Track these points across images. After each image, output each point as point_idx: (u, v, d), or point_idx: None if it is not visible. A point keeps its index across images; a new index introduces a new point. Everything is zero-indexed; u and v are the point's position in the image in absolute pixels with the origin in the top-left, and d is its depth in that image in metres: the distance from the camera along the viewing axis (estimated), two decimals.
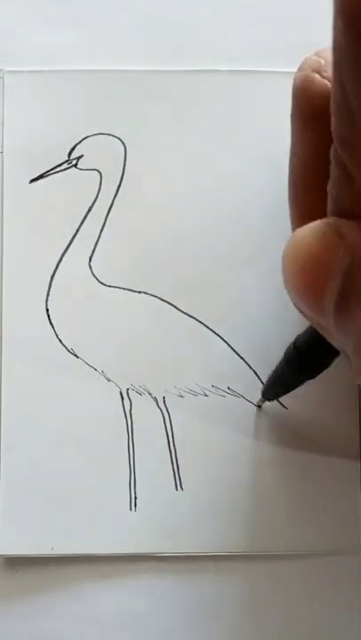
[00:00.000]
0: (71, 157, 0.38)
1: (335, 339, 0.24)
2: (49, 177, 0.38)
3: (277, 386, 0.35)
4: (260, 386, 0.37)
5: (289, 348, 0.33)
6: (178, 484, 0.37)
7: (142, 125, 0.38)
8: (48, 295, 0.37)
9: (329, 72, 0.25)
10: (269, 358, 0.37)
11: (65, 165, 0.38)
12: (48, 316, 0.37)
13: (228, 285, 0.38)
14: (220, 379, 0.37)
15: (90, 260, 0.38)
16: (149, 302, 0.38)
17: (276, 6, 0.38)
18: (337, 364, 0.38)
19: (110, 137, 0.38)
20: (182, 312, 0.38)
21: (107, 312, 0.37)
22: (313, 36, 0.38)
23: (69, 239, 0.38)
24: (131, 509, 0.37)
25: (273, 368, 0.36)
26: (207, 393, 0.37)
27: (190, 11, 0.38)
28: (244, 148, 0.38)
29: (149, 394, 0.37)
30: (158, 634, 0.37)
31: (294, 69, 0.38)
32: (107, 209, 0.38)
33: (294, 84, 0.27)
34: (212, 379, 0.37)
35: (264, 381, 0.37)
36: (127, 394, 0.37)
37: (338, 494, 0.37)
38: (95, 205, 0.38)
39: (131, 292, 0.38)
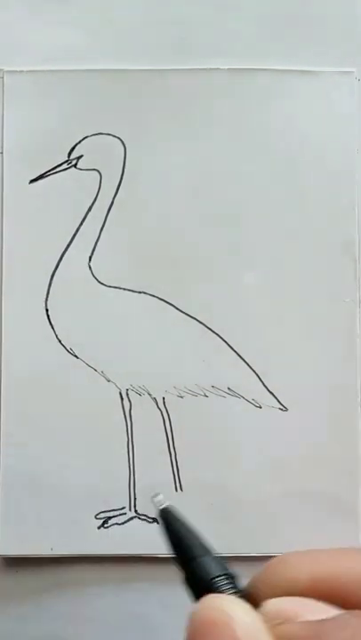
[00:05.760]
0: (71, 157, 0.38)
1: None
2: (49, 177, 0.38)
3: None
4: (260, 386, 0.37)
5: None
6: (178, 484, 0.37)
7: (142, 125, 0.38)
8: (48, 295, 0.37)
9: None
10: (269, 358, 0.38)
11: (65, 165, 0.38)
12: (48, 316, 0.37)
13: (228, 285, 0.38)
14: (220, 379, 0.37)
15: (90, 261, 0.38)
16: (149, 302, 0.38)
17: (276, 5, 0.38)
18: (336, 367, 0.38)
19: (110, 137, 0.38)
20: (182, 312, 0.38)
21: (107, 312, 0.37)
22: (313, 35, 0.39)
23: (69, 239, 0.38)
24: (130, 510, 0.37)
25: (273, 368, 0.37)
26: (207, 393, 0.37)
27: (190, 10, 0.38)
28: (243, 148, 0.38)
29: (149, 394, 0.37)
30: (158, 634, 0.37)
31: (294, 68, 0.39)
32: (107, 209, 0.38)
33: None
34: (212, 379, 0.37)
35: (264, 381, 0.37)
36: (127, 394, 0.37)
37: (338, 494, 0.37)
38: (95, 205, 0.38)
39: (131, 292, 0.38)
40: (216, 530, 0.37)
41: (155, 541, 0.36)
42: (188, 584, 0.29)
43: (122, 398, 0.37)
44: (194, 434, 0.37)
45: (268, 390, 0.37)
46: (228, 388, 0.37)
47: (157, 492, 0.32)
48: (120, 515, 0.37)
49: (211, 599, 0.22)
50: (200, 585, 0.25)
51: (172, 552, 0.31)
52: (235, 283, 0.38)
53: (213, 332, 0.38)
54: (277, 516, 0.37)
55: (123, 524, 0.37)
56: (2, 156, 0.38)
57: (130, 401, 0.37)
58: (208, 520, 0.37)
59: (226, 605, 0.22)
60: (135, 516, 0.37)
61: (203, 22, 0.38)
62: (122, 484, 0.37)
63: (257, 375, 0.37)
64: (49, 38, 0.38)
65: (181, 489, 0.37)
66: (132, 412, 0.37)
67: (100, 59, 0.38)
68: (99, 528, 0.37)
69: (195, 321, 0.38)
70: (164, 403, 0.37)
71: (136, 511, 0.37)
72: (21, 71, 0.38)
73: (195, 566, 0.29)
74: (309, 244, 0.38)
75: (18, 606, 0.37)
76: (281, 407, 0.37)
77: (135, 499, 0.37)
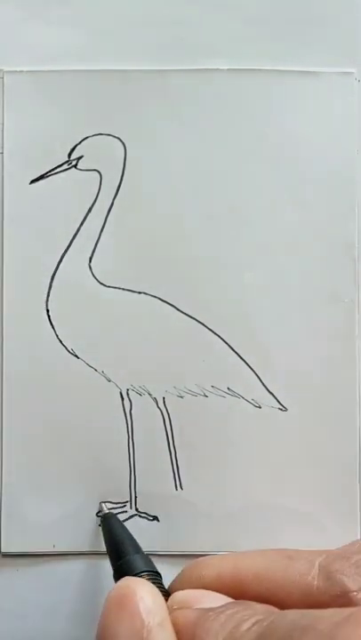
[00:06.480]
0: (71, 158, 0.38)
1: None
2: (49, 177, 0.38)
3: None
4: (260, 386, 0.37)
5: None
6: (178, 484, 0.37)
7: (142, 125, 0.38)
8: (48, 296, 0.37)
9: None
10: (269, 358, 0.38)
11: (65, 166, 0.38)
12: (48, 316, 0.37)
13: (228, 285, 0.38)
14: (219, 379, 0.37)
15: (90, 261, 0.38)
16: (149, 302, 0.38)
17: (276, 5, 0.38)
18: (336, 367, 0.38)
19: (110, 137, 0.38)
20: (182, 312, 0.38)
21: (107, 312, 0.38)
22: (313, 35, 0.38)
23: (69, 239, 0.38)
24: (131, 508, 0.37)
25: (273, 368, 0.37)
26: (207, 393, 0.37)
27: (190, 10, 0.38)
28: (244, 148, 0.38)
29: (149, 394, 0.37)
30: None
31: (294, 68, 0.39)
32: (107, 209, 0.38)
33: None
34: (212, 379, 0.37)
35: (264, 381, 0.37)
36: (127, 394, 0.37)
37: (337, 494, 0.37)
38: (95, 205, 0.38)
39: (131, 293, 0.38)
40: (216, 529, 0.37)
41: (155, 539, 0.37)
42: (115, 579, 0.31)
43: (122, 398, 0.37)
44: (194, 434, 0.37)
45: (268, 390, 0.37)
46: (228, 388, 0.37)
47: (105, 501, 0.37)
48: (121, 512, 0.37)
49: (124, 580, 0.26)
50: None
51: (108, 553, 0.33)
52: (235, 283, 0.38)
53: (213, 332, 0.38)
54: (277, 515, 0.37)
55: (123, 521, 0.37)
56: (2, 156, 0.38)
57: (130, 401, 0.37)
58: (208, 519, 0.37)
59: (134, 585, 0.25)
60: (136, 514, 0.37)
61: (203, 22, 0.38)
62: (122, 483, 0.37)
63: (257, 375, 0.37)
64: (49, 38, 0.38)
65: (182, 488, 0.37)
66: (132, 411, 0.37)
67: (100, 59, 0.38)
68: (100, 525, 0.37)
69: (195, 321, 0.38)
70: (164, 403, 0.37)
71: (137, 509, 0.37)
72: (21, 71, 0.38)
73: (122, 563, 0.31)
74: (309, 244, 0.38)
75: (19, 604, 0.37)
76: (281, 407, 0.37)
77: (136, 497, 0.37)
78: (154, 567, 0.31)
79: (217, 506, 0.37)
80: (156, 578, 0.30)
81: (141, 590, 0.24)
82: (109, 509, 0.37)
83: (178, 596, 0.26)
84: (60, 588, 0.37)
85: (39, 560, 0.37)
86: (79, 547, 0.37)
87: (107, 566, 0.37)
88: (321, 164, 0.38)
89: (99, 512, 0.37)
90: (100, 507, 0.37)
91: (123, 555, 0.32)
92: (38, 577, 0.37)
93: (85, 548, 0.37)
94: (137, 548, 0.33)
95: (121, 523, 0.35)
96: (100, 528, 0.36)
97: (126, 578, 0.27)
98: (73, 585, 0.37)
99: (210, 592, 0.26)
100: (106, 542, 0.35)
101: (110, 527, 0.35)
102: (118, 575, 0.31)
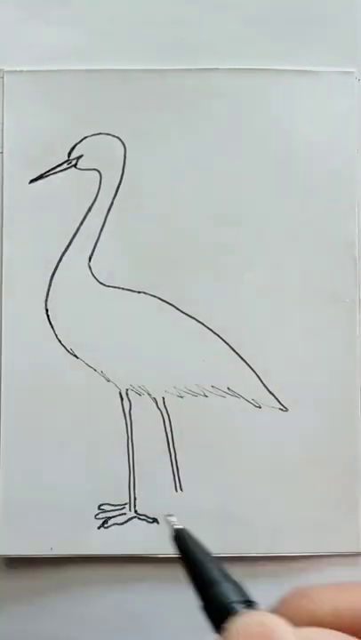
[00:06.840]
0: (71, 157, 0.38)
1: None
2: (49, 177, 0.38)
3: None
4: (260, 386, 0.37)
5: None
6: (178, 484, 0.37)
7: (142, 125, 0.38)
8: (48, 295, 0.37)
9: None
10: (269, 358, 0.38)
11: (65, 165, 0.38)
12: (48, 316, 0.37)
13: (228, 285, 0.38)
14: (219, 379, 0.37)
15: (90, 261, 0.38)
16: (149, 302, 0.38)
17: (276, 5, 0.38)
18: (336, 367, 0.38)
19: (110, 137, 0.38)
20: (182, 312, 0.38)
21: (107, 312, 0.37)
22: (313, 35, 0.39)
23: (69, 239, 0.38)
24: (130, 510, 0.37)
25: (273, 368, 0.37)
26: (207, 393, 0.37)
27: (190, 10, 0.38)
28: (243, 148, 0.38)
29: (149, 394, 0.37)
30: (158, 634, 0.37)
31: (294, 68, 0.39)
32: (106, 209, 0.38)
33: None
34: (212, 379, 0.37)
35: (264, 381, 0.37)
36: (127, 394, 0.37)
37: (338, 495, 0.37)
38: (95, 205, 0.38)
39: (131, 292, 0.38)
40: (216, 530, 0.37)
41: (154, 541, 0.37)
42: (206, 611, 0.27)
43: (122, 398, 0.37)
44: (194, 434, 0.37)
45: (268, 390, 0.37)
46: (228, 388, 0.37)
47: (170, 512, 0.30)
48: (120, 515, 0.37)
49: (254, 614, 0.22)
50: (220, 612, 0.24)
51: (189, 578, 0.29)
52: (235, 283, 0.38)
53: (213, 332, 0.38)
54: (277, 515, 0.37)
55: (122, 524, 0.37)
56: (2, 156, 0.38)
57: (130, 401, 0.37)
58: (208, 520, 0.37)
59: (270, 621, 0.22)
60: (135, 516, 0.37)
61: (203, 22, 0.38)
62: (122, 484, 0.37)
63: (257, 375, 0.37)
64: (49, 38, 0.38)
65: (181, 489, 0.37)
66: (131, 411, 0.37)
67: (100, 59, 0.38)
68: (99, 528, 0.37)
69: (195, 321, 0.38)
70: (163, 403, 0.37)
71: (136, 511, 0.37)
72: (21, 71, 0.38)
73: (214, 593, 0.27)
74: (309, 244, 0.38)
75: (18, 606, 0.37)
76: (281, 407, 0.37)
77: (135, 499, 0.37)
78: (247, 595, 0.27)
79: (217, 506, 0.37)
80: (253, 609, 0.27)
81: (281, 629, 0.21)
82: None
83: (302, 634, 0.22)
84: (59, 589, 0.37)
85: (38, 562, 0.37)
86: (77, 550, 0.37)
87: (104, 569, 0.37)
88: (321, 163, 0.38)
89: (97, 515, 0.37)
90: (171, 519, 0.32)
91: (211, 583, 0.28)
92: (37, 579, 0.37)
93: (83, 552, 0.37)
94: (224, 574, 0.29)
95: (196, 540, 0.31)
96: (173, 544, 0.32)
97: (256, 612, 0.24)
98: (71, 588, 0.37)
99: (336, 632, 0.22)
100: (187, 567, 0.30)
101: (190, 548, 0.30)
102: (211, 607, 0.27)
